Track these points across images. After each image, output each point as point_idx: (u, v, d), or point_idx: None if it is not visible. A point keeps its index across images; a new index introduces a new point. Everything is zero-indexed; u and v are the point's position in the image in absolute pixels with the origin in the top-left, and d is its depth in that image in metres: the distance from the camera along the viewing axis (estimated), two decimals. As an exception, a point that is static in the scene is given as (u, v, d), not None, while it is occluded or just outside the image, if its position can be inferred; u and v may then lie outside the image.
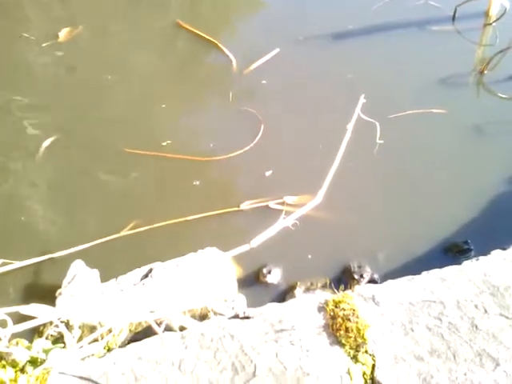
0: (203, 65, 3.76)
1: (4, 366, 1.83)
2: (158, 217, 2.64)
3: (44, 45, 3.74)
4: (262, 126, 3.12)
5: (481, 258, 1.98)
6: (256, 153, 2.98)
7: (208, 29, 3.85)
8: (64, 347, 2.00)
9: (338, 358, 1.70)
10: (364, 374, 1.67)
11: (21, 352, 1.84)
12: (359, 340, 1.72)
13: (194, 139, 3.12)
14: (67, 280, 2.33)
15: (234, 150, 2.98)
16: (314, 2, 4.08)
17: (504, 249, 2.11)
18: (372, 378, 1.66)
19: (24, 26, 3.94)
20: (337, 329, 1.74)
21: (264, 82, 3.44)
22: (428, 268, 2.34)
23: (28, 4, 4.30)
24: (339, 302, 1.81)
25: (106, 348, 2.09)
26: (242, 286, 2.38)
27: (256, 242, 2.26)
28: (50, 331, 2.01)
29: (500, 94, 3.21)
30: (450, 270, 1.91)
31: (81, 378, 1.73)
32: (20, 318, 1.80)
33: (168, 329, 2.09)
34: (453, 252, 2.43)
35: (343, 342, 1.73)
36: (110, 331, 2.07)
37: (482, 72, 3.31)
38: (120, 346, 2.10)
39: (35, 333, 2.21)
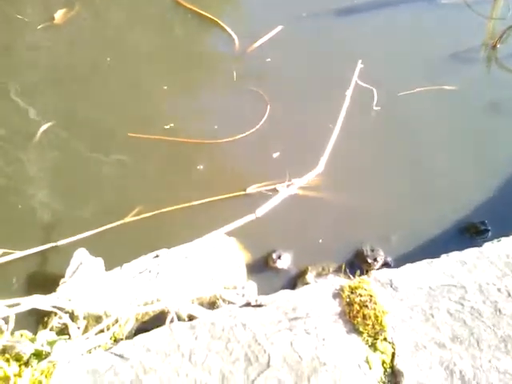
0: (205, 44, 3.63)
1: (8, 360, 1.76)
2: (162, 202, 2.55)
3: (39, 27, 3.60)
4: (269, 106, 3.01)
5: (502, 239, 1.89)
6: (262, 134, 2.87)
7: (208, 6, 3.71)
8: (69, 339, 1.94)
9: (355, 347, 1.63)
10: (383, 362, 1.60)
11: (25, 345, 1.77)
12: (377, 327, 1.64)
13: (198, 121, 3.01)
14: (71, 269, 2.25)
15: (240, 132, 2.88)
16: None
17: (525, 229, 2.03)
18: (392, 367, 1.58)
19: (18, 8, 3.79)
20: (354, 316, 1.67)
21: (268, 59, 3.32)
22: (443, 250, 2.25)
23: (22, -15, 4.17)
24: (355, 287, 1.73)
25: (113, 339, 2.03)
26: (251, 272, 2.30)
27: (261, 211, 2.18)
28: (54, 323, 1.94)
29: (514, 69, 3.09)
30: (471, 253, 1.83)
31: (87, 371, 1.66)
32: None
33: (176, 318, 2.03)
34: (469, 233, 2.34)
35: (361, 329, 1.65)
36: (116, 321, 2.01)
37: (494, 46, 3.19)
38: (127, 337, 2.04)
39: (39, 324, 2.15)
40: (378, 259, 2.24)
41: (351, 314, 1.67)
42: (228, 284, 2.19)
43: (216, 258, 2.22)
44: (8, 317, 1.78)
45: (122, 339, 2.02)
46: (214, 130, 2.93)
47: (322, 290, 1.78)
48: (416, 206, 2.51)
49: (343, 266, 2.18)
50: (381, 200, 2.55)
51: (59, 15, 3.68)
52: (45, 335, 1.88)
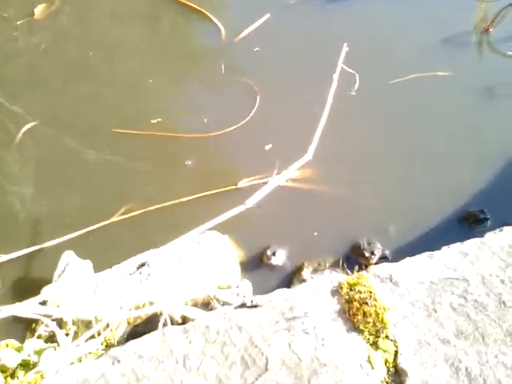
0: (190, 35, 3.54)
1: (-8, 372, 1.68)
2: (151, 200, 2.47)
3: (19, 22, 3.48)
4: (258, 97, 2.93)
5: (504, 228, 1.83)
6: (253, 126, 2.79)
7: (193, -4, 3.62)
8: (58, 346, 1.86)
9: (356, 346, 1.56)
10: (386, 361, 1.53)
11: (10, 356, 1.69)
12: (378, 325, 1.58)
13: (186, 115, 2.93)
14: (57, 273, 2.17)
15: (230, 125, 2.79)
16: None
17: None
18: (395, 366, 1.52)
19: (-4, 3, 3.68)
20: (353, 314, 1.60)
21: (256, 49, 3.23)
22: (442, 241, 2.19)
23: (-1, -21, 4.03)
24: (354, 284, 1.66)
25: (104, 344, 1.95)
26: (245, 270, 2.24)
27: (251, 201, 2.10)
28: (42, 330, 1.86)
29: (509, 53, 3.01)
30: (472, 244, 1.77)
31: (77, 381, 1.58)
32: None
33: (169, 320, 1.96)
34: (468, 222, 2.28)
35: (361, 327, 1.59)
36: (107, 326, 1.93)
37: (486, 30, 3.11)
38: (119, 341, 1.96)
39: (27, 331, 2.07)
40: (376, 252, 2.17)
41: (351, 312, 1.60)
42: (222, 283, 2.12)
43: (209, 257, 2.15)
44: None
45: (113, 344, 1.95)
46: (203, 123, 2.84)
47: (320, 287, 1.71)
48: (412, 195, 2.44)
49: (340, 262, 2.11)
50: (376, 191, 2.49)
51: (39, 10, 3.56)
52: (32, 344, 1.80)
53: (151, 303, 1.89)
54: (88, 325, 2.00)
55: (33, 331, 2.03)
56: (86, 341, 1.86)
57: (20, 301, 1.89)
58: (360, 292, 1.62)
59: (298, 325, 1.61)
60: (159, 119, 2.86)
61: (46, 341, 1.93)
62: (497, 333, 1.54)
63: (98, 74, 3.17)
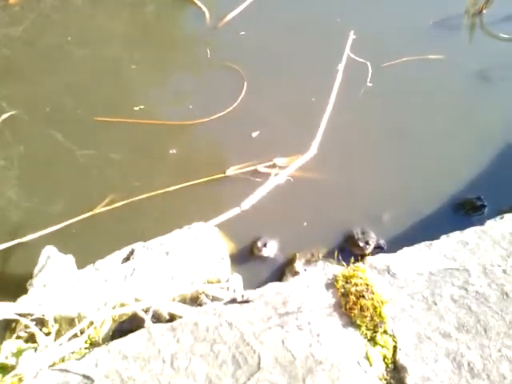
0: (174, 19, 3.41)
1: (-32, 376, 1.58)
2: (135, 190, 2.37)
3: (-6, 7, 3.34)
4: (245, 83, 2.82)
5: (505, 215, 1.75)
6: (240, 112, 2.69)
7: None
8: (39, 346, 1.76)
9: (353, 342, 1.48)
10: (385, 357, 1.46)
11: (-15, 359, 1.59)
12: (376, 319, 1.50)
13: (171, 102, 2.82)
14: (38, 268, 2.06)
15: (216, 112, 2.69)
16: None
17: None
18: (394, 362, 1.45)
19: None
20: (350, 308, 1.52)
21: (242, 33, 3.12)
22: (438, 229, 2.11)
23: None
24: (350, 276, 1.57)
25: (88, 342, 1.85)
26: (235, 263, 2.14)
27: (247, 204, 2.01)
28: (21, 332, 1.76)
29: (502, 35, 2.93)
30: (472, 232, 1.69)
31: (58, 385, 1.49)
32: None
33: (156, 316, 1.87)
34: (465, 209, 2.21)
35: (358, 322, 1.51)
36: (91, 324, 1.83)
37: (480, 12, 3.03)
38: (103, 338, 1.87)
39: (6, 330, 1.96)
40: (370, 242, 2.10)
41: (347, 306, 1.52)
42: (211, 277, 2.03)
43: (197, 250, 2.05)
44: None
45: (98, 342, 1.85)
46: (189, 110, 2.73)
47: (314, 280, 1.63)
48: (406, 182, 2.37)
49: (336, 254, 2.02)
50: (368, 178, 2.40)
51: (15, -6, 3.41)
52: (10, 345, 1.70)
53: (137, 300, 1.79)
54: (71, 322, 1.90)
55: (12, 330, 1.92)
56: (69, 339, 1.76)
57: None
58: (356, 285, 1.54)
59: (291, 320, 1.53)
60: (142, 106, 2.75)
61: (27, 340, 1.82)
62: (499, 325, 1.47)
63: (79, 61, 3.05)
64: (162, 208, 2.33)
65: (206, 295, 1.93)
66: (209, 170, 2.46)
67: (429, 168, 2.39)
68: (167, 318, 1.91)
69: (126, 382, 1.46)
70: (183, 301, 1.95)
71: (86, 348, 1.81)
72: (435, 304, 1.53)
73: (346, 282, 1.57)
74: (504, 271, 1.58)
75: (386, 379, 1.43)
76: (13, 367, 1.61)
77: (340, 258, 2.03)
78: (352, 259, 1.74)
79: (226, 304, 1.62)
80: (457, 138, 2.48)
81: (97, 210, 2.29)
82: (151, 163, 2.52)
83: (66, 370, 1.53)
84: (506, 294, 1.53)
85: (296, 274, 2.04)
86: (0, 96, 2.86)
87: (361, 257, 2.07)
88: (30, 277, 2.03)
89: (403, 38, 2.95)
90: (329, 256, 2.14)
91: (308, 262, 2.10)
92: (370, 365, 1.44)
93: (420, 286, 1.57)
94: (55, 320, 1.86)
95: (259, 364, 1.46)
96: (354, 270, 1.59)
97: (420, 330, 1.48)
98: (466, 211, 2.20)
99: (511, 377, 1.37)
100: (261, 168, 2.43)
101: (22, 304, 1.72)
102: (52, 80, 2.93)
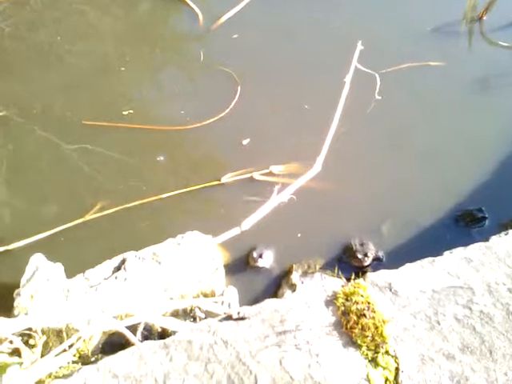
0: (166, 21, 3.33)
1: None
2: (127, 197, 2.30)
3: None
4: (239, 88, 2.76)
5: (510, 231, 1.70)
6: (233, 118, 2.62)
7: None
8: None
9: (354, 363, 1.42)
10: (386, 379, 1.40)
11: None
12: (378, 339, 1.44)
13: (162, 106, 2.74)
14: (26, 277, 1.98)
15: (208, 117, 2.62)
16: None
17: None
18: (396, 385, 1.39)
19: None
20: (350, 327, 1.46)
21: (235, 36, 3.05)
22: (437, 241, 2.09)
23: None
24: (351, 293, 1.52)
25: (77, 355, 1.79)
26: (230, 274, 2.08)
27: (248, 223, 1.95)
28: (4, 347, 1.68)
29: (501, 43, 2.89)
30: (476, 249, 1.64)
31: (44, 406, 1.42)
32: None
33: (147, 329, 1.80)
34: (465, 221, 2.16)
35: (359, 342, 1.45)
36: (79, 337, 1.77)
37: (480, 18, 2.98)
38: (93, 351, 1.80)
39: (-11, 343, 1.89)
40: (369, 254, 2.04)
41: (348, 325, 1.46)
42: (205, 288, 1.96)
43: (191, 260, 1.98)
44: None
45: (87, 355, 1.78)
46: (180, 115, 2.66)
47: (313, 297, 1.57)
48: (406, 192, 2.31)
49: (333, 266, 1.96)
50: (366, 188, 2.34)
51: (4, -10, 3.32)
52: (-7, 360, 1.62)
53: (128, 315, 1.73)
54: (59, 333, 1.83)
55: (-3, 343, 1.84)
56: (57, 355, 1.69)
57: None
58: (357, 303, 1.49)
59: (289, 339, 1.47)
60: (131, 111, 2.67)
61: (11, 354, 1.75)
62: (505, 347, 1.42)
63: (69, 60, 2.96)
64: (155, 216, 2.26)
65: (199, 308, 1.87)
66: (202, 177, 2.39)
67: (428, 178, 2.34)
68: (159, 330, 1.84)
69: (116, 403, 1.40)
70: (175, 314, 1.88)
71: (74, 362, 1.75)
72: (438, 323, 1.48)
73: (347, 300, 1.51)
74: (509, 290, 1.53)
75: (387, 402, 1.38)
76: (-4, 385, 1.54)
77: (340, 271, 1.98)
78: (351, 273, 1.68)
79: (221, 321, 1.56)
80: (458, 148, 2.43)
81: (88, 217, 2.21)
82: (143, 169, 2.44)
83: (53, 390, 1.46)
84: (512, 314, 1.48)
85: (293, 286, 1.97)
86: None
87: (359, 269, 2.03)
88: (17, 286, 1.95)
89: (403, 45, 2.89)
90: (326, 267, 2.08)
91: (305, 274, 2.04)
92: (371, 387, 1.38)
93: (423, 304, 1.51)
94: (43, 332, 1.79)
95: (256, 385, 1.40)
96: (355, 287, 1.54)
97: (423, 351, 1.43)
98: (466, 223, 2.15)
99: (517, 402, 1.33)
100: (257, 176, 2.36)
101: (10, 320, 1.64)
102: (41, 79, 2.85)
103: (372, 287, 1.56)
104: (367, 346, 1.44)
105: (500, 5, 3.00)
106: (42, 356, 1.75)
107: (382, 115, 2.57)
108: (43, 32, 3.12)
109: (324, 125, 2.46)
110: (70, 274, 1.96)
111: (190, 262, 1.97)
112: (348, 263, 2.07)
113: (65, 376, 1.60)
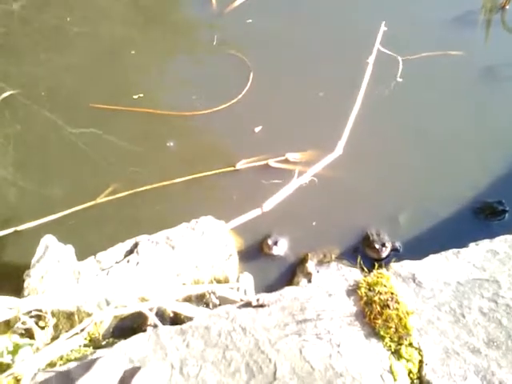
0: (178, 4, 3.27)
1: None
2: (140, 180, 2.26)
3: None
4: (252, 73, 2.70)
5: (537, 224, 1.66)
6: (246, 104, 2.58)
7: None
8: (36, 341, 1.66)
9: (376, 354, 1.39)
10: (410, 372, 1.36)
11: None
12: (401, 331, 1.40)
13: (172, 91, 2.69)
14: (36, 258, 1.94)
15: (221, 103, 2.56)
16: None
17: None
18: (420, 378, 1.35)
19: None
20: (373, 317, 1.42)
21: (249, 21, 2.99)
22: (456, 233, 2.04)
23: None
24: (373, 283, 1.48)
25: (88, 338, 1.75)
26: (243, 260, 2.04)
27: (269, 205, 1.90)
28: (17, 327, 1.65)
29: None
30: (503, 241, 1.60)
31: (58, 389, 1.38)
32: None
33: (159, 314, 1.76)
34: (484, 214, 2.11)
35: (382, 333, 1.41)
36: (89, 316, 1.73)
37: (503, 7, 2.92)
38: (104, 335, 1.77)
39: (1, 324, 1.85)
40: (387, 245, 2.00)
41: (371, 316, 1.42)
42: (218, 274, 1.92)
43: (204, 245, 1.94)
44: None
45: (98, 339, 1.75)
46: (192, 100, 2.61)
47: (334, 286, 1.53)
48: (424, 182, 2.26)
49: (358, 259, 1.89)
50: (385, 176, 2.29)
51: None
52: (6, 341, 1.58)
53: (143, 299, 1.69)
54: (70, 316, 1.79)
55: (8, 324, 1.81)
56: (68, 338, 1.66)
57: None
58: (380, 293, 1.45)
59: (309, 328, 1.44)
60: (141, 95, 2.63)
61: (22, 334, 1.72)
62: (532, 342, 1.38)
63: (78, 42, 2.91)
64: (169, 200, 2.22)
65: (213, 293, 1.83)
66: (215, 163, 2.35)
67: (448, 169, 2.29)
68: (171, 315, 1.81)
69: (132, 389, 1.36)
70: (188, 299, 1.84)
71: (85, 345, 1.71)
72: (463, 317, 1.44)
73: (369, 290, 1.47)
74: (536, 284, 1.49)
75: (410, 396, 1.34)
76: (8, 365, 1.51)
77: (359, 261, 1.93)
78: (367, 262, 1.64)
79: (239, 307, 1.52)
80: (478, 139, 2.38)
81: (99, 200, 2.17)
82: (153, 154, 2.40)
83: (67, 371, 1.42)
84: (538, 309, 1.44)
85: (308, 274, 1.94)
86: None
87: (376, 259, 1.99)
88: (26, 267, 1.91)
89: (423, 33, 2.83)
90: (342, 257, 2.05)
91: (320, 263, 2.01)
92: (395, 380, 1.34)
93: (447, 296, 1.48)
94: (53, 314, 1.75)
95: (275, 374, 1.36)
96: (378, 277, 1.49)
97: (447, 345, 1.39)
98: (485, 216, 2.10)
99: (544, 398, 1.29)
100: (272, 163, 2.32)
101: (20, 299, 1.60)
102: (49, 61, 2.80)
103: (395, 278, 1.52)
104: (390, 338, 1.40)
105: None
106: (53, 338, 1.72)
107: (400, 103, 2.52)
108: (52, 14, 3.06)
109: (340, 111, 2.41)
110: (81, 256, 1.92)
111: (203, 247, 1.93)
112: (364, 253, 2.03)
113: (77, 359, 1.56)
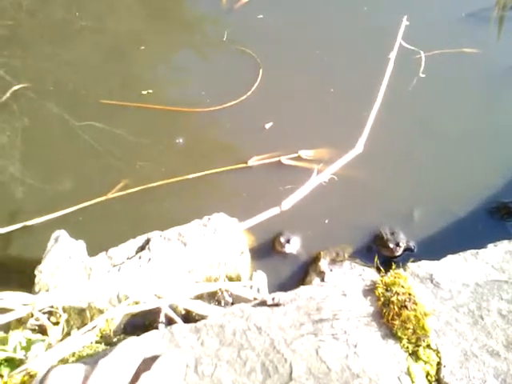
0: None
1: (-28, 369, 1.46)
2: (149, 176, 2.24)
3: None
4: (261, 70, 2.68)
5: (557, 225, 1.64)
6: (255, 101, 2.56)
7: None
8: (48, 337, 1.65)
9: (394, 355, 1.37)
10: (428, 374, 1.34)
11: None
12: (419, 332, 1.38)
13: (182, 87, 2.68)
14: (47, 253, 1.93)
15: (230, 99, 2.54)
16: None
17: None
18: (438, 380, 1.33)
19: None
20: (391, 318, 1.40)
21: (260, 16, 2.96)
22: (470, 234, 2.03)
23: None
24: (391, 283, 1.46)
25: (99, 335, 1.74)
26: (255, 258, 2.02)
27: (288, 203, 1.88)
28: (30, 323, 1.64)
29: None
30: (523, 242, 1.57)
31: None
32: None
33: (172, 312, 1.75)
34: (500, 214, 2.09)
35: (399, 334, 1.39)
36: (101, 313, 1.73)
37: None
38: (115, 332, 1.76)
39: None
40: (401, 244, 1.98)
41: (389, 317, 1.40)
42: (230, 271, 1.91)
43: (217, 242, 1.93)
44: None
45: (109, 335, 1.74)
46: (201, 96, 2.59)
47: (350, 286, 1.51)
48: (439, 181, 2.24)
49: (376, 260, 1.88)
50: (400, 174, 2.27)
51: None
52: (18, 336, 1.57)
53: (157, 296, 1.67)
54: (81, 312, 1.79)
55: (19, 319, 1.80)
56: (80, 333, 1.65)
57: (4, 283, 1.68)
58: (398, 294, 1.43)
59: (326, 328, 1.42)
60: (150, 91, 2.61)
61: (34, 330, 1.71)
62: (552, 346, 1.36)
63: (86, 37, 2.89)
64: (181, 196, 2.20)
65: (226, 291, 1.81)
66: (225, 160, 2.33)
67: (462, 167, 2.27)
68: (182, 312, 1.80)
69: (146, 387, 1.34)
70: (200, 297, 1.83)
71: (97, 342, 1.70)
72: (482, 319, 1.42)
73: (387, 290, 1.45)
74: (556, 287, 1.47)
75: (428, 398, 1.32)
76: (21, 361, 1.50)
77: (371, 260, 1.92)
78: (383, 261, 1.62)
79: (254, 306, 1.50)
80: (494, 138, 2.35)
81: (111, 195, 2.16)
82: (163, 150, 2.38)
83: (81, 369, 1.41)
84: (558, 312, 1.42)
85: (321, 273, 1.92)
86: (4, 68, 2.71)
87: (390, 258, 1.97)
88: (37, 262, 1.90)
89: (437, 30, 2.80)
90: (355, 256, 2.03)
91: (333, 262, 1.99)
92: (412, 382, 1.33)
93: (466, 298, 1.45)
94: (64, 310, 1.74)
95: (291, 374, 1.34)
96: (395, 278, 1.47)
97: (466, 347, 1.37)
98: (501, 216, 2.08)
99: None
100: (285, 160, 2.30)
101: (35, 296, 1.59)
102: (56, 55, 2.78)
103: (412, 278, 1.50)
104: (408, 339, 1.38)
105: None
106: (64, 334, 1.72)
107: (416, 100, 2.49)
108: (60, 7, 3.04)
109: (354, 109, 2.39)
110: (92, 252, 1.91)
111: (215, 244, 1.91)
112: (378, 252, 2.01)
113: (89, 355, 1.55)
